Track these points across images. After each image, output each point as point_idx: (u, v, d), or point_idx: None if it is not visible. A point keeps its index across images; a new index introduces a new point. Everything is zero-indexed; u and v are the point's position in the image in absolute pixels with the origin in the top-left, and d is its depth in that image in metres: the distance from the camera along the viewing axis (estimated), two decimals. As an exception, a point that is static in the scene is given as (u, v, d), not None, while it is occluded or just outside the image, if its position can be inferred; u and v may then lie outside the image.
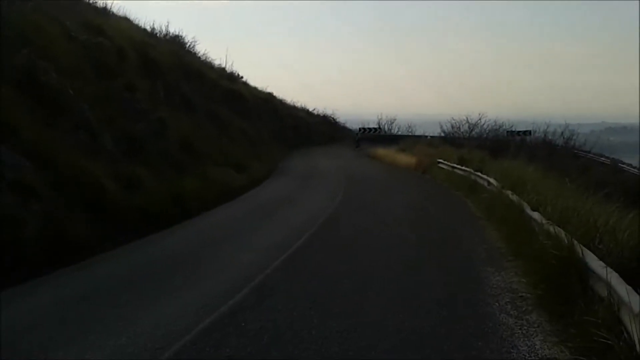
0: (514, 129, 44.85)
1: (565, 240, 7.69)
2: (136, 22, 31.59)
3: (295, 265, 9.80)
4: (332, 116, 58.57)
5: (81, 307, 7.56)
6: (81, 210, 10.91)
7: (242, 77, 45.17)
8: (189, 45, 37.64)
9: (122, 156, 14.66)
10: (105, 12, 26.26)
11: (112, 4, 28.50)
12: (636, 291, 5.46)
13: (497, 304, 7.73)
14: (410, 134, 50.50)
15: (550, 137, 42.95)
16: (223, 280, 8.79)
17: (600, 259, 6.71)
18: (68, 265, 9.38)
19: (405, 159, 32.00)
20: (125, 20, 29.40)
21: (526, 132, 44.75)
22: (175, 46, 33.05)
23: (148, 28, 33.03)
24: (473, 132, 42.10)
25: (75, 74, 14.70)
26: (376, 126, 54.08)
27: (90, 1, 25.90)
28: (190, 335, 6.38)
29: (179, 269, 9.53)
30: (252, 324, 6.76)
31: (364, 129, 54.31)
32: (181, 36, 37.20)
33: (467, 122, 42.39)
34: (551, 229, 8.65)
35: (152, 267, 9.79)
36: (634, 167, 36.10)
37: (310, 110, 57.56)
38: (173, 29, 40.66)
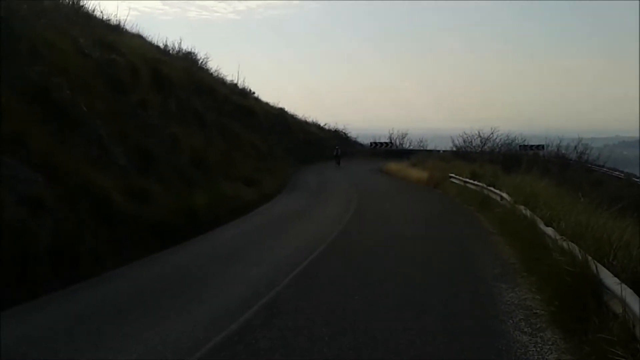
0: (526, 143, 44.79)
1: (579, 256, 7.59)
2: (149, 39, 31.92)
3: (306, 281, 9.75)
4: (344, 131, 58.63)
5: (91, 322, 7.55)
6: (92, 224, 10.93)
7: (253, 93, 45.51)
8: (202, 62, 37.98)
9: (134, 171, 14.72)
10: (118, 29, 26.51)
11: (125, 21, 28.60)
12: (652, 308, 5.37)
13: (510, 321, 7.63)
14: (421, 148, 50.52)
15: (563, 152, 42.82)
16: (233, 296, 8.75)
17: (615, 275, 6.61)
18: (78, 280, 9.37)
19: (417, 173, 31.91)
20: (139, 37, 29.68)
21: (539, 147, 44.65)
22: (187, 63, 33.31)
23: (161, 45, 33.38)
24: (485, 147, 41.97)
25: (88, 90, 14.83)
26: (388, 141, 54.18)
27: (104, 18, 26.19)
28: (200, 353, 6.34)
29: (189, 285, 9.50)
30: (263, 341, 6.71)
31: (375, 143, 54.45)
32: (194, 53, 37.54)
33: (479, 136, 42.34)
34: (565, 244, 8.54)
35: (162, 283, 9.78)
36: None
37: (322, 125, 57.69)
38: (186, 46, 41.05)
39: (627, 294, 5.94)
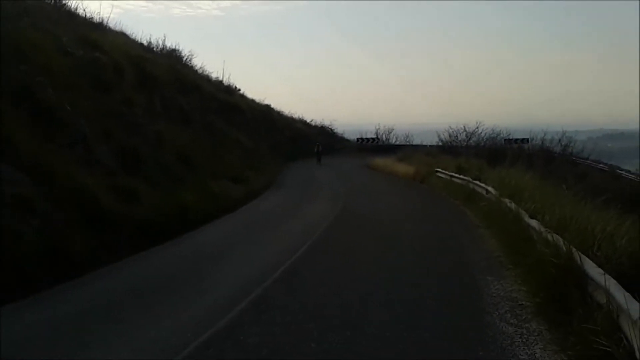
0: (511, 137, 45.04)
1: (564, 248, 7.70)
2: (133, 36, 31.67)
3: (294, 277, 9.77)
4: (330, 127, 58.62)
5: (80, 322, 7.52)
6: (79, 224, 10.87)
7: (239, 90, 45.31)
8: (186, 59, 37.73)
9: (120, 170, 14.66)
10: (101, 27, 26.29)
11: (108, 19, 28.41)
12: (635, 298, 5.46)
13: (496, 312, 7.73)
14: (408, 143, 50.66)
15: (547, 145, 43.11)
16: (222, 293, 8.75)
17: (599, 266, 6.72)
18: (66, 280, 9.32)
19: (403, 168, 32.03)
20: (122, 35, 29.46)
21: (524, 140, 44.93)
22: (172, 60, 33.12)
23: (145, 42, 33.13)
24: (470, 141, 42.29)
25: (72, 89, 14.71)
26: (374, 136, 54.30)
27: (87, 16, 25.96)
28: (188, 350, 6.35)
29: (177, 283, 9.51)
30: (251, 338, 6.73)
31: (362, 139, 54.52)
32: (178, 50, 37.29)
33: (465, 130, 42.61)
34: (549, 236, 8.66)
35: (150, 281, 9.77)
36: (632, 174, 36.13)
37: (308, 121, 57.64)
38: (170, 43, 40.72)
39: (611, 284, 6.04)
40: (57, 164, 11.63)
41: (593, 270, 6.71)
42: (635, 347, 5.08)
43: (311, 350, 6.34)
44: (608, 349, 5.38)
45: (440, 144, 43.86)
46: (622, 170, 38.90)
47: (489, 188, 16.80)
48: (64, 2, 23.67)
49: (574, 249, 7.45)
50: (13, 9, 15.68)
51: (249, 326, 7.12)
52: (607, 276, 6.21)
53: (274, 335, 6.82)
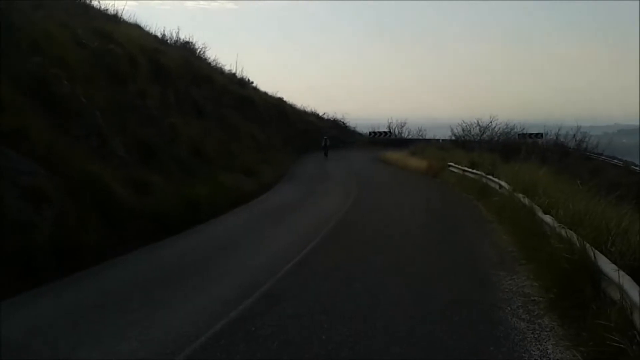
0: (525, 132, 44.69)
1: (578, 244, 7.64)
2: (147, 29, 31.88)
3: (306, 269, 9.79)
4: (342, 120, 58.56)
5: (93, 311, 7.59)
6: (93, 215, 10.95)
7: (252, 83, 45.42)
8: (200, 52, 37.90)
9: (134, 162, 14.76)
10: (116, 19, 26.44)
11: (122, 11, 28.59)
12: (649, 294, 5.41)
13: (509, 308, 7.69)
14: (420, 137, 50.45)
15: (562, 140, 42.82)
16: (233, 285, 8.79)
17: (613, 262, 6.66)
18: (80, 271, 9.42)
19: (416, 162, 31.93)
20: (136, 27, 29.62)
21: (538, 135, 44.61)
22: (185, 52, 33.27)
23: (159, 35, 33.33)
24: (484, 135, 41.96)
25: (86, 81, 14.82)
26: (387, 130, 54.14)
27: (101, 8, 26.12)
28: (201, 340, 6.39)
29: (190, 274, 9.55)
30: (263, 329, 6.76)
31: (374, 132, 54.40)
32: (192, 42, 37.48)
33: (478, 125, 42.29)
34: (563, 232, 8.60)
35: (163, 272, 9.82)
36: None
37: (320, 114, 57.60)
38: (183, 36, 40.93)
39: (625, 280, 5.99)
40: (71, 155, 11.73)
41: (607, 266, 6.66)
42: (649, 343, 5.04)
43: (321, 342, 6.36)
44: (621, 345, 5.34)
45: (453, 138, 43.59)
46: (636, 166, 38.50)
47: (502, 183, 16.70)
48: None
49: (587, 245, 7.39)
50: (29, 2, 15.79)
51: (260, 317, 7.15)
52: (621, 272, 6.15)
53: (285, 327, 6.84)
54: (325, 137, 42.51)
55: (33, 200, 9.80)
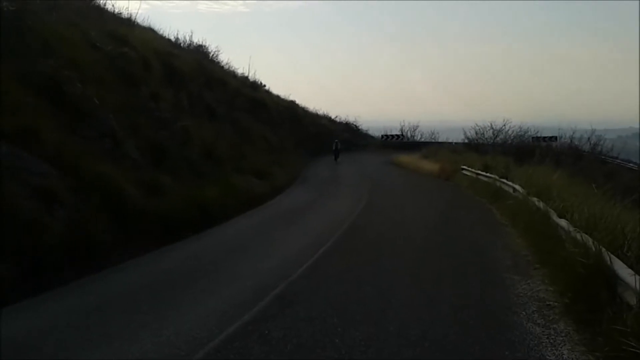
0: (539, 135, 44.47)
1: (593, 248, 7.55)
2: (160, 32, 32.03)
3: (318, 273, 9.75)
4: (355, 123, 58.53)
5: (103, 313, 7.60)
6: (105, 217, 10.99)
7: (264, 85, 45.45)
8: (212, 55, 38.05)
9: (146, 164, 14.80)
10: (129, 22, 26.58)
11: (136, 14, 28.77)
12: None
13: (523, 312, 7.61)
14: (433, 140, 50.33)
15: (576, 143, 42.49)
16: (246, 288, 8.76)
17: (629, 266, 6.59)
18: (91, 272, 9.44)
19: (428, 165, 31.81)
20: (150, 30, 29.78)
21: (552, 138, 44.35)
22: (198, 56, 33.38)
23: (172, 38, 33.49)
24: (497, 138, 41.69)
25: (100, 83, 14.90)
26: (399, 133, 54.02)
27: (115, 12, 26.28)
28: (214, 343, 6.37)
29: (201, 276, 9.54)
30: (275, 332, 6.73)
31: (386, 135, 54.31)
32: (204, 46, 37.63)
33: (492, 128, 42.05)
34: (578, 236, 8.50)
35: (174, 274, 9.81)
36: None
37: (333, 117, 57.62)
38: (196, 39, 41.03)
39: (642, 285, 5.90)
40: (83, 157, 11.78)
41: (623, 270, 6.58)
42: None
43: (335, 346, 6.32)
44: (638, 350, 5.26)
45: (466, 141, 43.40)
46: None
47: (516, 186, 16.57)
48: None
49: (603, 249, 7.29)
50: (42, 4, 15.91)
51: (273, 320, 7.12)
52: (638, 277, 6.07)
53: (298, 330, 6.81)
54: (336, 141, 42.02)
55: (44, 201, 9.84)
